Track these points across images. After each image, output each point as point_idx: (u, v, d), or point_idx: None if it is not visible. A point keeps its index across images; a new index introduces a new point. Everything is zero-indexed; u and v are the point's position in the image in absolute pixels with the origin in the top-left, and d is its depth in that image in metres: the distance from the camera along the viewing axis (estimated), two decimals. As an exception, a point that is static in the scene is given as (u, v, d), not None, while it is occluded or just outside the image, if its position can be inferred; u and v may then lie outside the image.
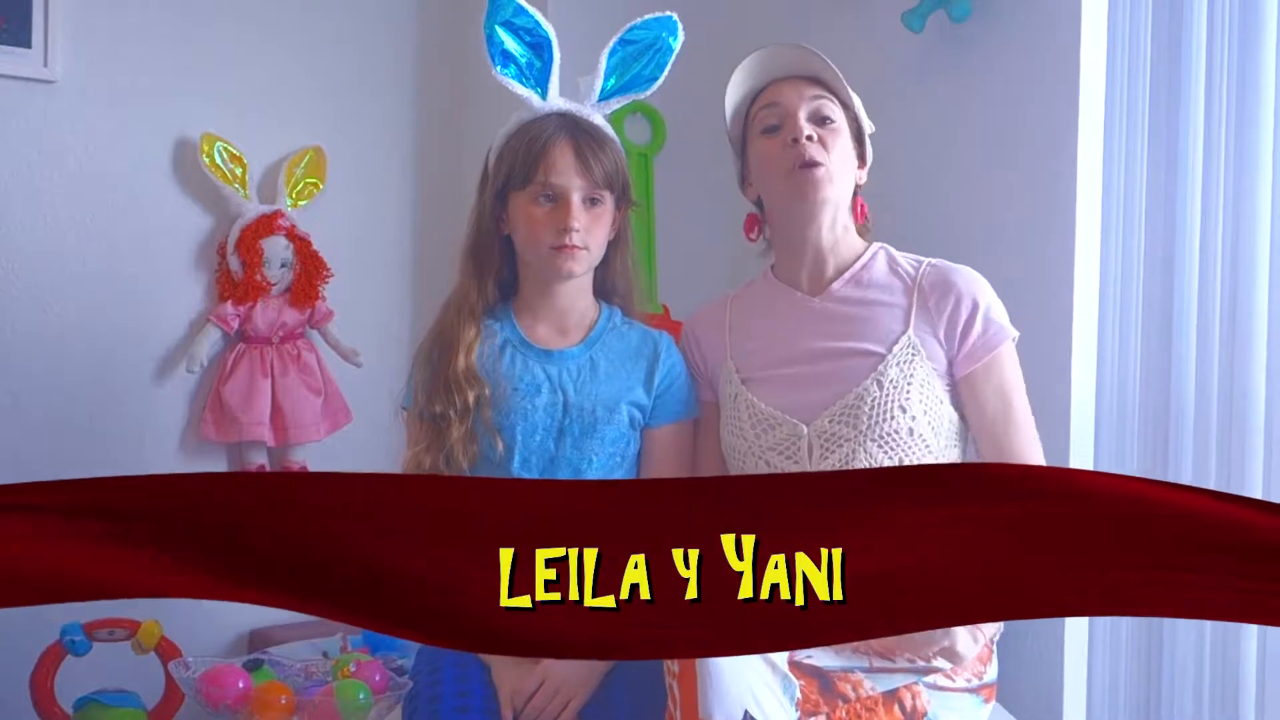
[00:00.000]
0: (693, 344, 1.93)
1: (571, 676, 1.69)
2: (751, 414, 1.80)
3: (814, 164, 1.75)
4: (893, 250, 1.85)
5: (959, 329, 1.76)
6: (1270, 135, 1.88)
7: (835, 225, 1.81)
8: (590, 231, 1.79)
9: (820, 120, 1.78)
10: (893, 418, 1.73)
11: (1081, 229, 2.04)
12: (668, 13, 1.88)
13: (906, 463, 1.74)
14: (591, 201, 1.79)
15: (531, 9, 1.84)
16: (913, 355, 1.75)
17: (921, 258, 1.83)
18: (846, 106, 1.80)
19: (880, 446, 1.73)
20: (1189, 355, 1.96)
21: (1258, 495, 1.87)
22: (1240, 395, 1.89)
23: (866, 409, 1.72)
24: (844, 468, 1.74)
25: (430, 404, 1.80)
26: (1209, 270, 1.94)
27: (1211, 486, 1.93)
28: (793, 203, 1.78)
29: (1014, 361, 1.80)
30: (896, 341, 1.75)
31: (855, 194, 1.85)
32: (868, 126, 1.84)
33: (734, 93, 1.84)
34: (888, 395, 1.73)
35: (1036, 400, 2.01)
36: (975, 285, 1.79)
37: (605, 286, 1.90)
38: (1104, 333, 2.06)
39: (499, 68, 1.81)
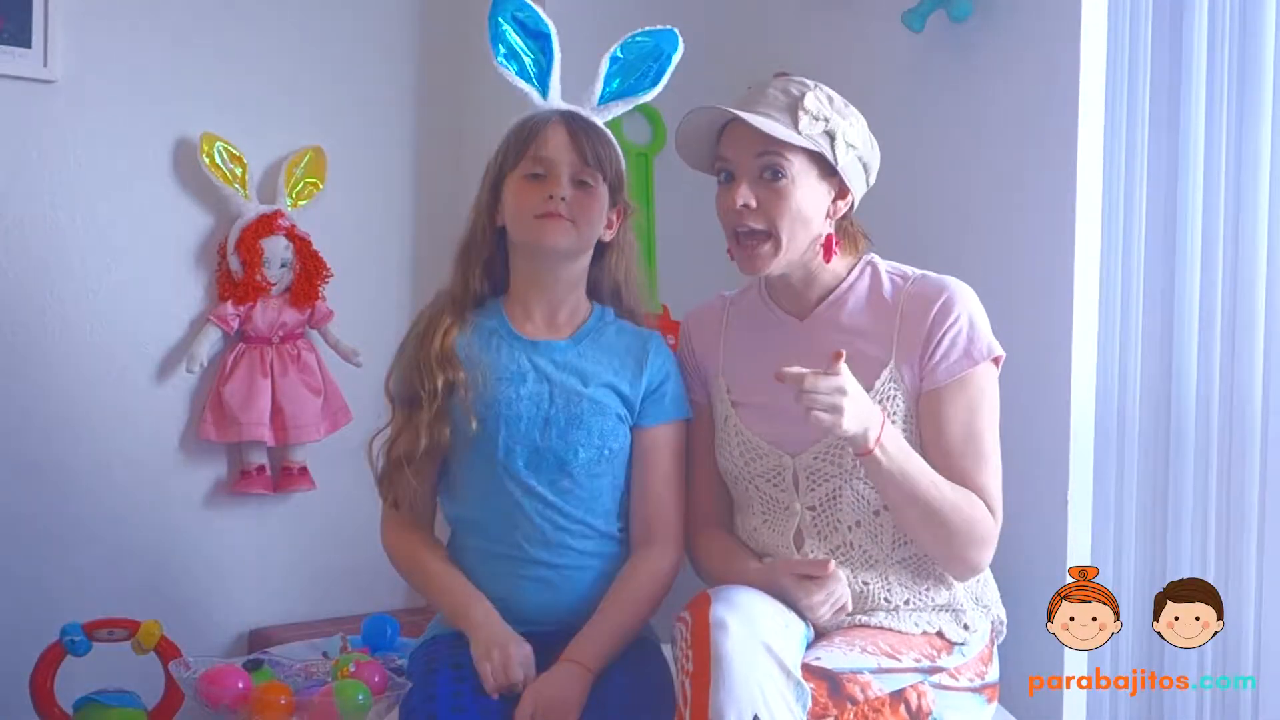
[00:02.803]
0: (688, 343, 1.92)
1: (557, 697, 1.68)
2: (740, 441, 1.81)
3: (750, 234, 1.71)
4: (880, 265, 1.81)
5: (932, 344, 1.71)
6: (1270, 136, 1.88)
7: (802, 263, 1.76)
8: (579, 208, 1.78)
9: (769, 176, 1.70)
10: None
11: (1081, 229, 2.04)
12: (669, 26, 1.92)
13: None
14: (581, 183, 1.79)
15: (535, 5, 1.86)
16: (895, 390, 1.73)
17: (908, 271, 1.79)
18: (807, 149, 1.70)
19: (866, 483, 1.73)
20: (1189, 357, 1.96)
21: (1256, 498, 1.87)
22: (1241, 399, 1.89)
23: (851, 450, 1.71)
24: (830, 500, 1.75)
25: (402, 388, 1.82)
26: (1210, 271, 1.94)
27: (1212, 490, 1.93)
28: (740, 264, 1.76)
29: (990, 385, 1.75)
30: (879, 375, 1.72)
31: (844, 219, 1.78)
32: (843, 157, 1.71)
33: (695, 150, 1.79)
34: None
35: (1036, 404, 2.02)
36: (957, 300, 1.73)
37: (600, 288, 1.90)
38: (1105, 333, 2.06)
39: (500, 59, 1.83)
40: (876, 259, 1.82)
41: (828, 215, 1.75)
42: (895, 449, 1.65)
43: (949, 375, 1.72)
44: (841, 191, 1.75)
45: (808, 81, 1.74)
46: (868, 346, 1.73)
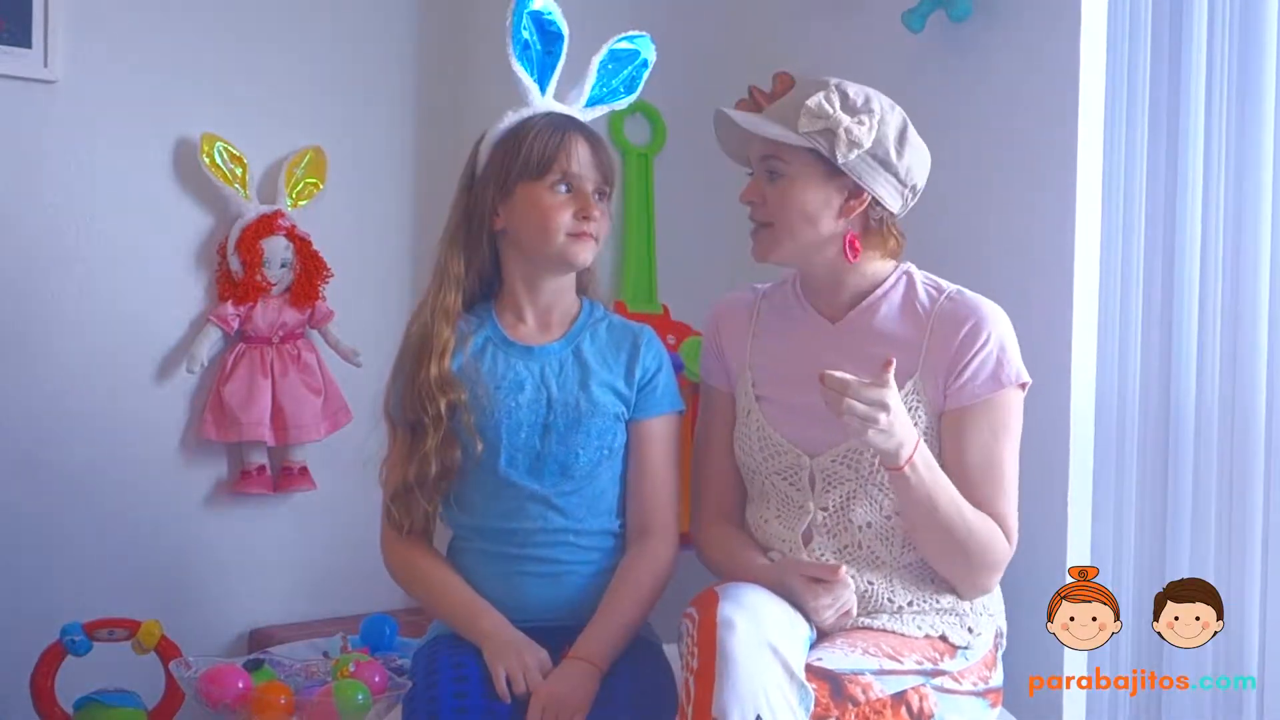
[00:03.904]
0: (715, 331, 1.93)
1: (568, 695, 1.68)
2: (760, 435, 1.81)
3: (756, 225, 1.78)
4: (917, 275, 1.81)
5: (960, 364, 1.72)
6: (1270, 136, 1.88)
7: (824, 260, 1.78)
8: (600, 224, 1.82)
9: (770, 175, 1.76)
10: None
11: (1081, 229, 2.04)
12: (663, 27, 1.95)
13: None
14: (599, 196, 1.82)
15: (552, 5, 1.87)
16: (918, 403, 1.74)
17: (944, 285, 1.79)
18: (809, 148, 1.71)
19: (881, 490, 1.74)
20: (1189, 357, 1.96)
21: (1258, 496, 1.87)
22: (1241, 399, 1.89)
23: (869, 456, 1.72)
24: (844, 504, 1.76)
25: (404, 412, 1.82)
26: (1209, 270, 1.95)
27: (1212, 490, 1.93)
28: (752, 251, 1.81)
29: (1015, 411, 1.75)
30: (903, 386, 1.71)
31: (872, 219, 1.76)
32: (845, 156, 1.70)
33: (733, 148, 1.84)
34: None
35: (1036, 403, 2.01)
36: (988, 323, 1.73)
37: (584, 283, 1.92)
38: (1104, 333, 2.06)
39: (517, 54, 1.84)
40: (913, 269, 1.82)
41: (841, 214, 1.75)
42: (926, 470, 1.66)
43: (974, 397, 1.72)
44: (856, 191, 1.74)
45: (829, 81, 1.74)
46: (896, 356, 1.70)
